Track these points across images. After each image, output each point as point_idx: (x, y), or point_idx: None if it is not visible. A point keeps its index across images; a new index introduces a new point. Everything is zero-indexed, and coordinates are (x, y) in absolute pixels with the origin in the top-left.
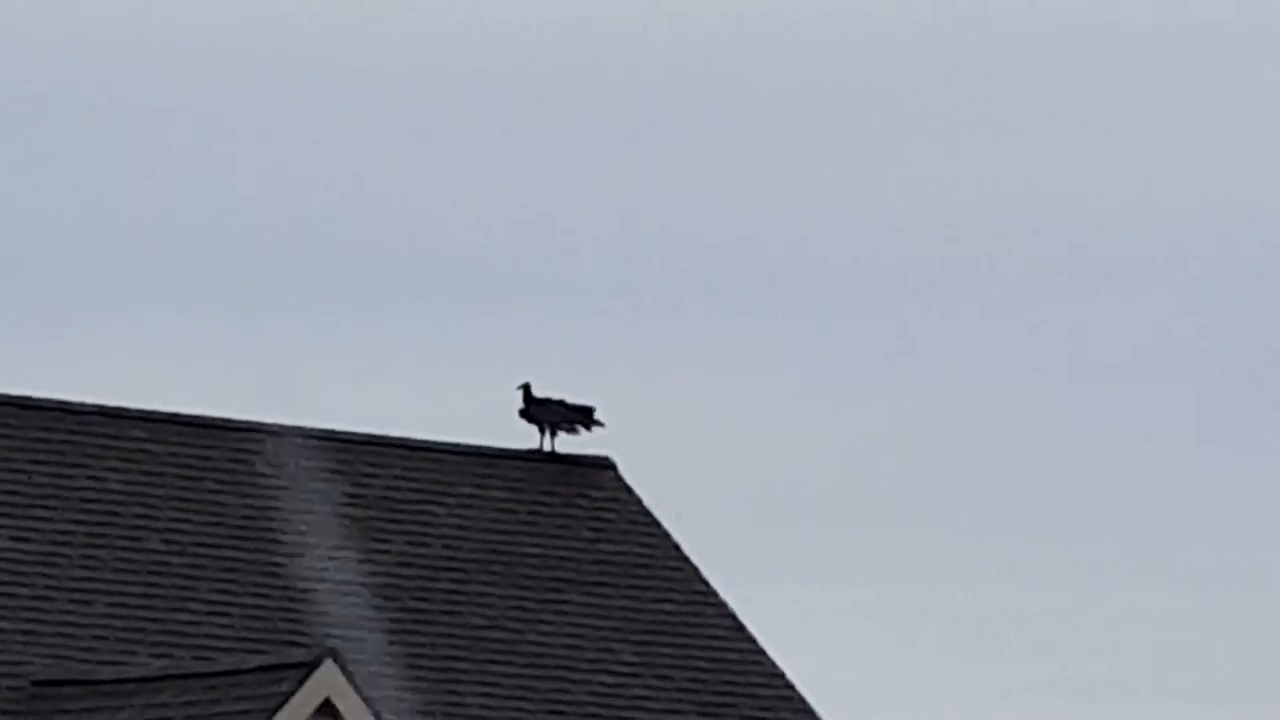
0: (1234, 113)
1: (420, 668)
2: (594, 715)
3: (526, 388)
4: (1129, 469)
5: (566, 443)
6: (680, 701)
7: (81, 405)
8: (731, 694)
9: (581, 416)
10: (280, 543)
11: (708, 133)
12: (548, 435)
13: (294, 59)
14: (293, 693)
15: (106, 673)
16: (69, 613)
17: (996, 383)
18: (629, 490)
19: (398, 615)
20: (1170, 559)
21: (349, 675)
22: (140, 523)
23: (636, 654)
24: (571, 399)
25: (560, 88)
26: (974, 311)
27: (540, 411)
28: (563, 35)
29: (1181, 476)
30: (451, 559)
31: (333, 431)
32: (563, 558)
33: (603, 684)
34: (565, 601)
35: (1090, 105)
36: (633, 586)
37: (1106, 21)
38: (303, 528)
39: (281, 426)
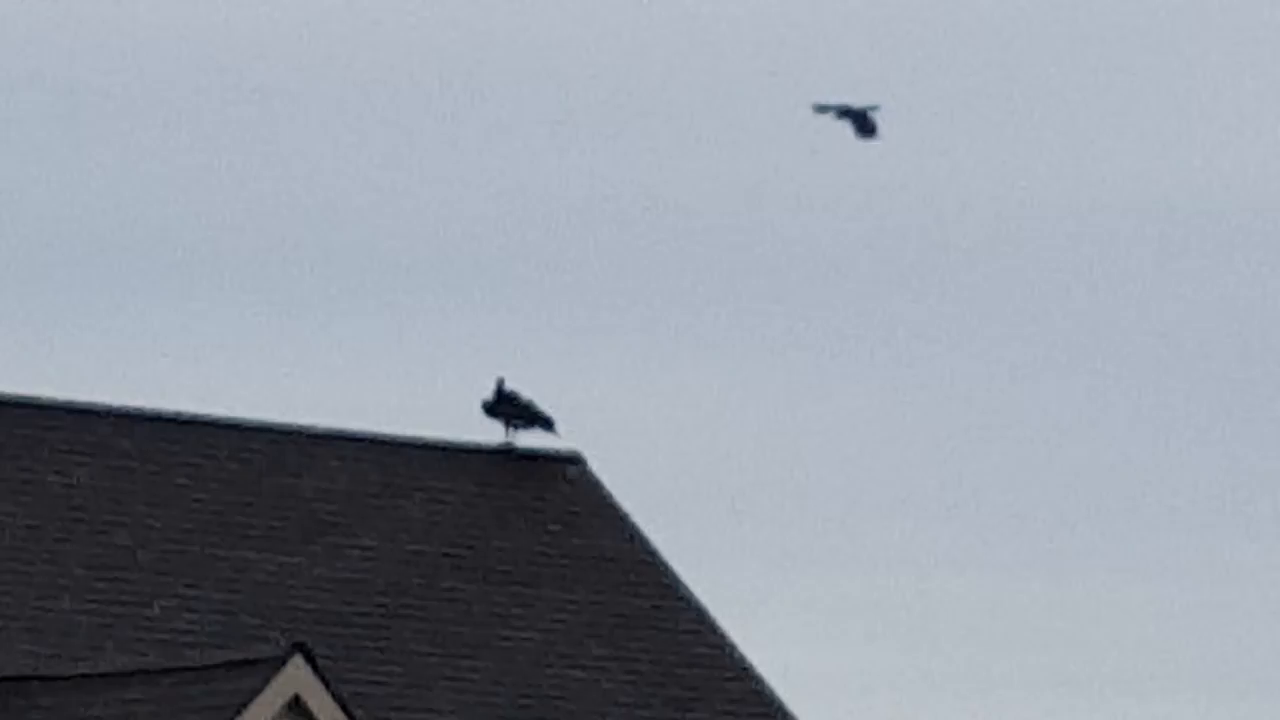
0: (1231, 102)
1: (390, 663)
2: (563, 709)
3: (500, 382)
4: (1104, 458)
5: (535, 438)
6: (649, 695)
7: (49, 401)
8: (700, 687)
9: (540, 422)
10: (249, 538)
11: (676, 127)
12: (510, 429)
13: (278, 64)
14: (261, 688)
15: (75, 669)
16: (37, 609)
17: (967, 372)
18: (597, 485)
19: (367, 611)
20: (1150, 549)
21: (318, 671)
22: (108, 519)
23: (605, 648)
24: (540, 396)
25: (531, 86)
26: (943, 302)
27: (503, 407)
28: (535, 32)
29: (1165, 467)
30: (421, 554)
31: (302, 427)
32: (532, 553)
33: (572, 678)
34: (534, 596)
35: (1087, 93)
36: (601, 581)
37: (1100, 10)
38: (271, 523)
39: (250, 422)
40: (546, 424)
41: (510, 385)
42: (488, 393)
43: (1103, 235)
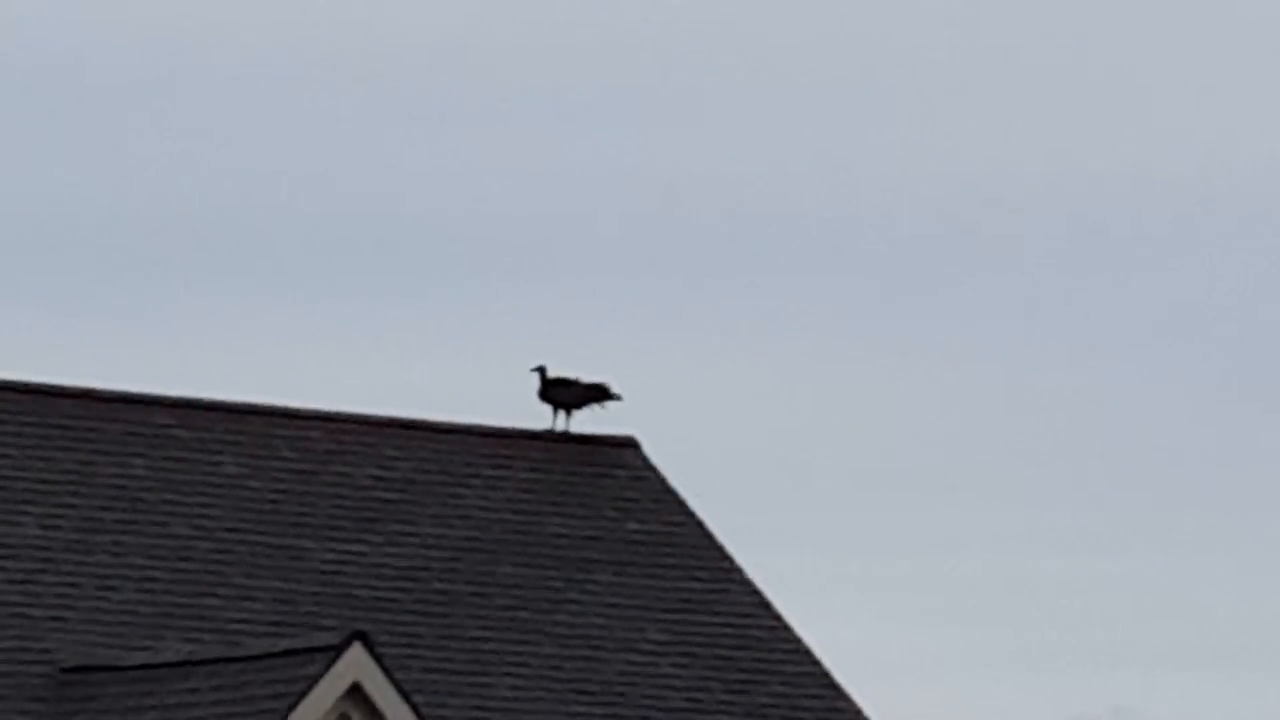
0: (1241, 78)
1: (448, 650)
2: (622, 694)
3: (541, 370)
4: (1157, 437)
5: (589, 422)
6: (707, 679)
7: (106, 392)
8: (758, 670)
9: (597, 394)
10: (306, 527)
11: (720, 104)
12: (563, 415)
13: (309, 42)
14: (321, 676)
15: (135, 659)
16: (97, 599)
17: (1022, 355)
18: (653, 469)
19: (425, 597)
20: (1204, 527)
21: (377, 658)
22: (167, 508)
23: (663, 632)
24: (592, 377)
25: (573, 63)
26: (1002, 284)
27: (557, 392)
28: (572, 8)
29: (1213, 445)
30: (478, 540)
31: (358, 414)
32: (588, 537)
33: (630, 663)
34: (592, 581)
35: (1105, 70)
36: (659, 565)
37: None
38: (329, 511)
39: (305, 410)
40: (604, 393)
41: (560, 369)
42: (535, 383)
43: (1132, 212)
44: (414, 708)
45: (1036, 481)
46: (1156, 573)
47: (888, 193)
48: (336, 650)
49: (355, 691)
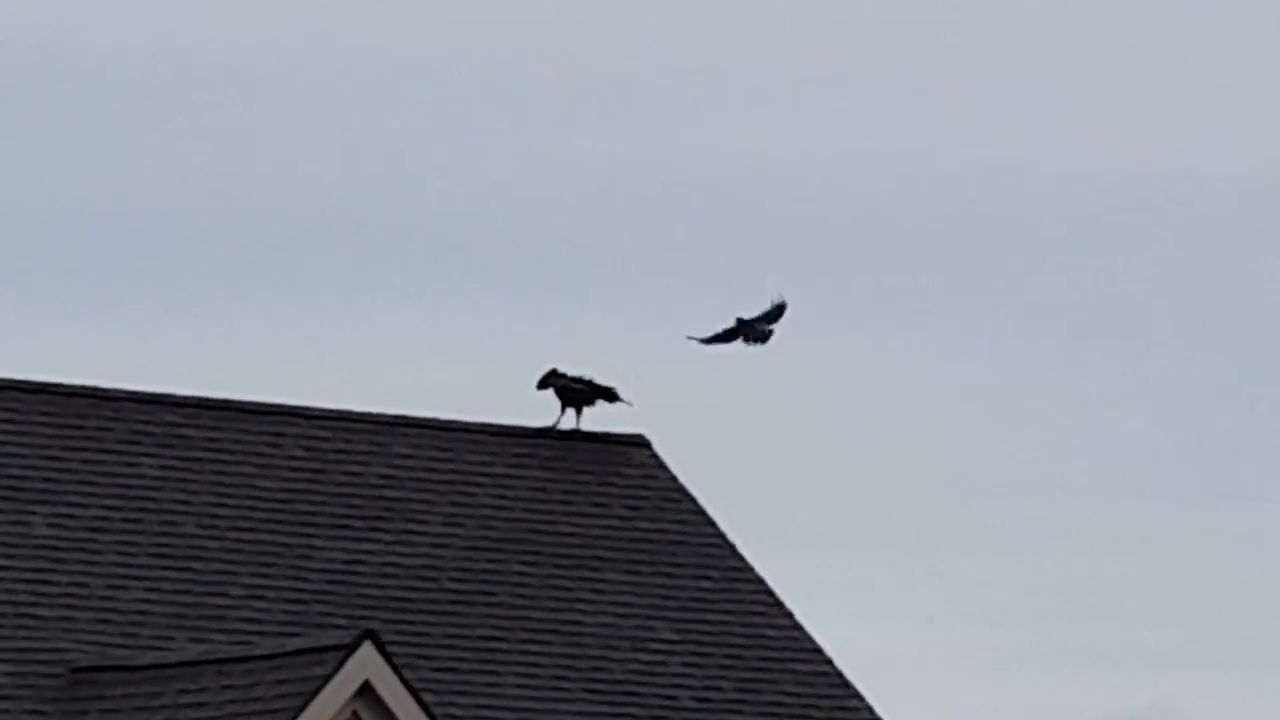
0: (1262, 68)
1: (459, 649)
2: (633, 693)
3: (551, 373)
4: (1168, 433)
5: (599, 420)
6: (718, 678)
7: (115, 391)
8: (769, 669)
9: (603, 394)
10: (316, 525)
11: (729, 104)
12: (571, 413)
13: (313, 42)
14: (331, 675)
15: (145, 658)
16: (106, 599)
17: (1027, 349)
18: (664, 467)
19: (435, 596)
20: (1243, 524)
21: (388, 657)
22: (176, 508)
23: (674, 631)
24: (602, 376)
25: (581, 60)
26: (1002, 279)
27: (563, 388)
28: (580, 6)
29: (1226, 439)
30: (488, 539)
31: (367, 413)
32: (599, 536)
33: (641, 661)
34: (602, 580)
35: (1105, 68)
36: (669, 564)
37: None
38: (339, 510)
39: (315, 408)
40: (609, 395)
41: (572, 366)
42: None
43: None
44: (424, 707)
45: (1062, 478)
46: (1193, 570)
47: (895, 193)
48: (347, 650)
49: (366, 691)
